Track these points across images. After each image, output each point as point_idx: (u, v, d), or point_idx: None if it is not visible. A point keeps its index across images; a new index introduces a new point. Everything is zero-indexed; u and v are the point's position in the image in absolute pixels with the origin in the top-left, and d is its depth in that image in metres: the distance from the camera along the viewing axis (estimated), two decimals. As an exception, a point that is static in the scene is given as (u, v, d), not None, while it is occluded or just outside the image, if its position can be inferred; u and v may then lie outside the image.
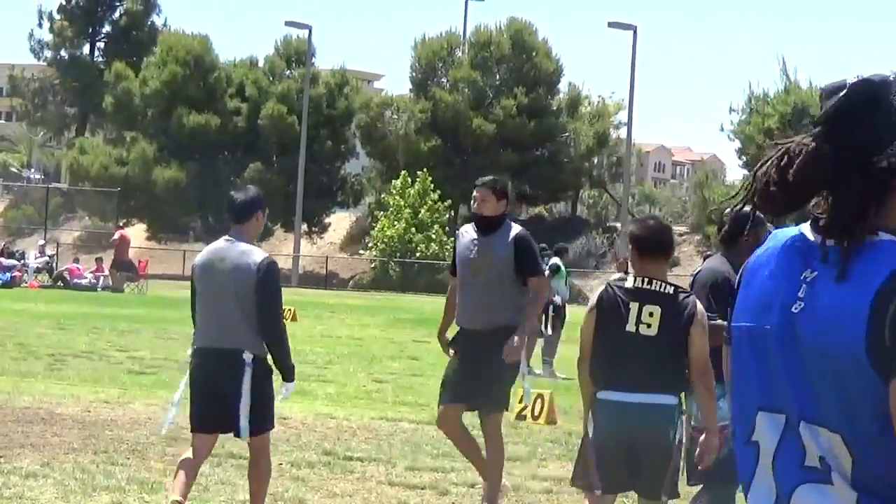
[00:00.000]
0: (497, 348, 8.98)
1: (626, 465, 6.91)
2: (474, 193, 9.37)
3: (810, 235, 2.71)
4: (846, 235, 2.63)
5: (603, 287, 7.07)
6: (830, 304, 2.60)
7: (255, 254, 8.04)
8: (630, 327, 6.77)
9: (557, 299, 20.56)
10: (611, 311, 6.83)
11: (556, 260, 21.09)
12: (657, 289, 6.83)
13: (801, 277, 2.66)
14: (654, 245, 6.93)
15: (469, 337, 9.27)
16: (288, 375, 8.25)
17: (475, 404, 9.28)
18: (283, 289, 8.52)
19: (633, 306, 6.79)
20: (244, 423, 7.96)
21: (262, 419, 8.10)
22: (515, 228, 9.30)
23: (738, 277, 2.86)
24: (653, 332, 6.79)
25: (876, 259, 2.60)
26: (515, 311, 9.12)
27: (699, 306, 6.84)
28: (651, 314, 6.77)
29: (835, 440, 2.58)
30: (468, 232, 9.40)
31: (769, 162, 2.73)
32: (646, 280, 6.86)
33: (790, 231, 2.77)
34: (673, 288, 6.90)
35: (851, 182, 2.64)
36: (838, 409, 2.57)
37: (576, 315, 17.76)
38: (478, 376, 9.07)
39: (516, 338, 9.03)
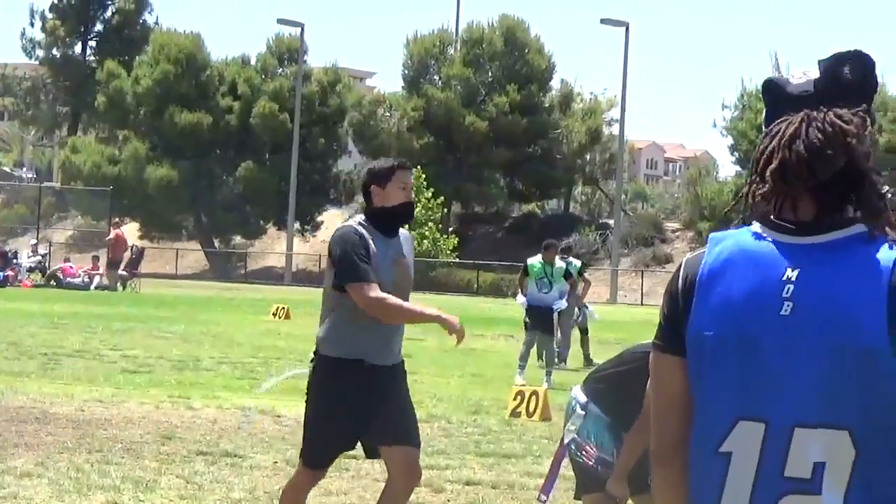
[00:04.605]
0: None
1: None
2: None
3: (776, 236, 2.63)
4: (872, 224, 2.59)
5: None
6: (838, 297, 2.53)
7: None
8: None
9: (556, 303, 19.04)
10: None
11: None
12: None
13: (783, 278, 2.58)
14: None
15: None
16: None
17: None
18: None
19: None
20: None
21: None
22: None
23: (679, 286, 2.70)
24: None
25: (870, 248, 2.56)
26: None
27: None
28: None
29: (839, 438, 2.52)
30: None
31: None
32: None
33: (740, 234, 2.67)
34: None
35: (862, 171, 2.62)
36: (853, 403, 2.51)
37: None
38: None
39: None
